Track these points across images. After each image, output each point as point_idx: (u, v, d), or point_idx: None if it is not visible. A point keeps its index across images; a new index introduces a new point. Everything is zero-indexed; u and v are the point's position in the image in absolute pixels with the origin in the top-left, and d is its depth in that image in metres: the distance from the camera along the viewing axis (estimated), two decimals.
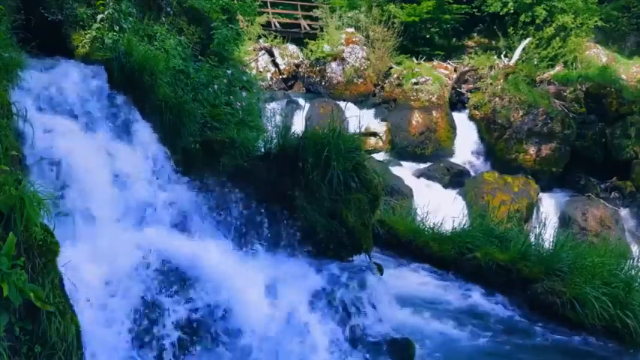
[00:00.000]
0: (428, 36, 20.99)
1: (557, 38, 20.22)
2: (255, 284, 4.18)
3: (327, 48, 18.80)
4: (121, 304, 3.68)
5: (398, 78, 18.21)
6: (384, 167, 13.86)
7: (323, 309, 4.27)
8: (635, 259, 6.23)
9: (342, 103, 17.32)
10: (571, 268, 5.83)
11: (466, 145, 17.05)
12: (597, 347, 5.14)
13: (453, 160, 16.52)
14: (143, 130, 5.16)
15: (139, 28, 5.95)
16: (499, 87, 16.80)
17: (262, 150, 5.48)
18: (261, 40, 19.67)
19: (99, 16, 5.68)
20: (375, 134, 16.28)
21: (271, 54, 19.91)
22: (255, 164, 5.24)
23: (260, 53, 19.47)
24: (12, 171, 3.18)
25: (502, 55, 19.13)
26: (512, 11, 20.24)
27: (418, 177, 15.45)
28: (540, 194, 15.11)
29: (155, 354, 3.64)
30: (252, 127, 6.45)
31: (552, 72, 18.74)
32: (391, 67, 19.02)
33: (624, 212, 14.82)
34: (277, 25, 21.49)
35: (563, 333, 5.31)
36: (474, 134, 17.13)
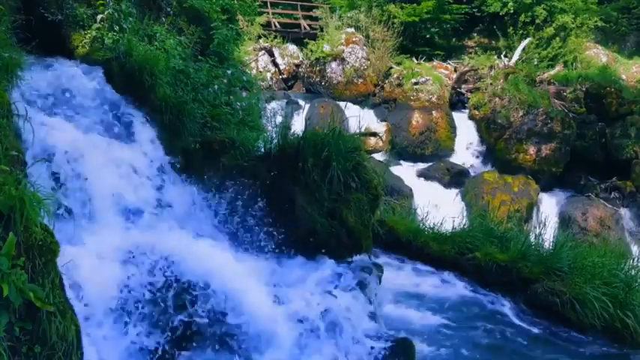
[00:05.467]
0: (428, 36, 21.00)
1: (557, 38, 20.25)
2: (256, 284, 4.18)
3: (327, 48, 18.81)
4: (121, 304, 3.68)
5: (398, 78, 18.22)
6: (384, 167, 13.86)
7: (322, 309, 4.26)
8: (635, 259, 6.23)
9: (342, 103, 17.33)
10: (571, 268, 5.83)
11: (466, 145, 17.06)
12: (597, 347, 5.14)
13: (453, 160, 16.53)
14: (143, 130, 5.17)
15: (139, 28, 5.95)
16: (499, 87, 16.80)
17: (262, 150, 5.48)
18: (261, 40, 19.68)
19: (99, 16, 5.69)
20: (375, 134, 16.28)
21: (271, 54, 19.92)
22: (255, 164, 5.24)
23: (260, 53, 19.48)
24: (12, 171, 3.17)
25: (502, 55, 19.15)
26: (512, 11, 20.27)
27: (418, 177, 15.46)
28: (540, 194, 15.12)
29: (155, 353, 3.64)
30: (252, 127, 6.45)
31: (552, 72, 18.76)
32: (391, 67, 19.03)
33: (624, 212, 14.82)
34: (277, 25, 21.51)
35: (563, 333, 5.31)
36: (474, 134, 17.13)
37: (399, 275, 6.23)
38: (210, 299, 3.87)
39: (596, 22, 20.86)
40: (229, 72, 6.78)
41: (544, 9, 20.09)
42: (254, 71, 16.42)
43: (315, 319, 4.19)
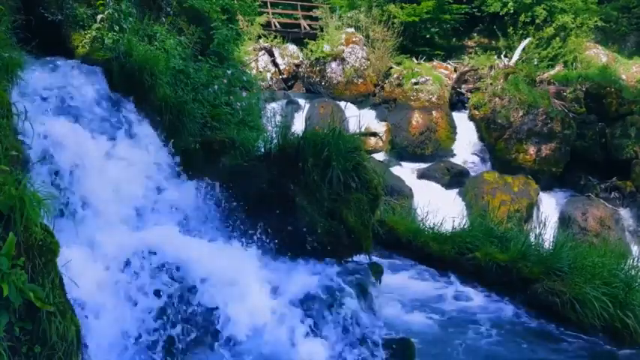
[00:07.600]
0: (428, 36, 21.02)
1: (557, 38, 20.26)
2: (256, 284, 4.18)
3: (327, 48, 18.81)
4: (120, 304, 3.68)
5: (398, 78, 18.23)
6: (384, 167, 13.86)
7: (322, 309, 4.27)
8: (635, 259, 6.22)
9: (342, 103, 17.34)
10: (571, 268, 5.82)
11: (466, 145, 17.06)
12: (597, 347, 5.14)
13: (453, 160, 16.54)
14: (143, 130, 5.17)
15: (138, 28, 5.95)
16: (499, 87, 16.80)
17: (262, 150, 5.48)
18: (261, 40, 19.68)
19: (99, 16, 5.69)
20: (375, 134, 16.29)
21: (271, 54, 19.92)
22: (255, 164, 5.23)
23: (260, 53, 19.48)
24: (12, 171, 3.17)
25: (502, 55, 19.15)
26: (512, 11, 20.29)
27: (418, 177, 15.47)
28: (540, 194, 15.12)
29: (153, 353, 3.64)
30: (252, 127, 6.46)
31: (552, 72, 18.76)
32: (391, 67, 19.03)
33: (624, 212, 14.83)
34: (277, 25, 21.52)
35: (562, 333, 5.31)
36: (473, 134, 17.13)
37: (398, 275, 6.23)
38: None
39: (596, 22, 20.87)
40: (229, 72, 6.78)
41: (544, 9, 20.09)
42: (254, 71, 16.42)
43: (315, 318, 4.20)
